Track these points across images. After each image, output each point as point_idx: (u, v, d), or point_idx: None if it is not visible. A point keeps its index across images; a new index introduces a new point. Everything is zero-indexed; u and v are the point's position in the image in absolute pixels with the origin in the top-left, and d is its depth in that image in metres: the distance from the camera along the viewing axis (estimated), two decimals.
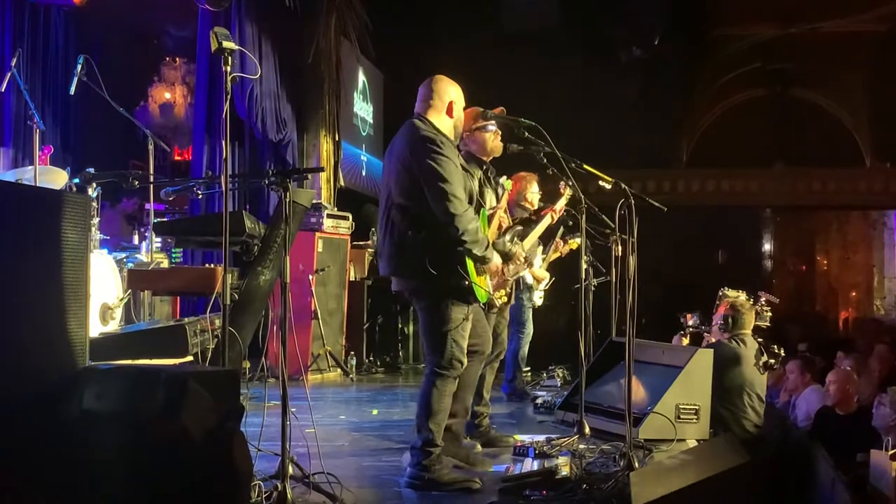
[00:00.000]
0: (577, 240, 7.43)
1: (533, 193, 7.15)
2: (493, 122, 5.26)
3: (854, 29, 17.28)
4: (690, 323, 7.71)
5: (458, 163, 4.54)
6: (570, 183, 5.49)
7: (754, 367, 6.86)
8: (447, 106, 4.65)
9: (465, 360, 4.59)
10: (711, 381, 5.89)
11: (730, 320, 6.94)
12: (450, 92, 4.68)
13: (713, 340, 7.42)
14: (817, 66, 18.03)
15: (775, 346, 7.66)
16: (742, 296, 7.23)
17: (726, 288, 7.40)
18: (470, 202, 4.60)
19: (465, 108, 4.83)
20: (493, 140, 5.38)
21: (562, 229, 7.60)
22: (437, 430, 4.52)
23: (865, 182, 18.07)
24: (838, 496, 5.48)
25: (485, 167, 5.46)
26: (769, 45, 17.64)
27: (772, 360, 7.49)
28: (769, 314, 7.66)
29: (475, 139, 5.37)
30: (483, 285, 4.63)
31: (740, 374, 6.73)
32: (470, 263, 4.49)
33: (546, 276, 7.64)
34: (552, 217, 6.32)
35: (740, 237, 18.73)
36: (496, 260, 4.65)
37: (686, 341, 7.71)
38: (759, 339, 7.22)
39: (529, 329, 7.68)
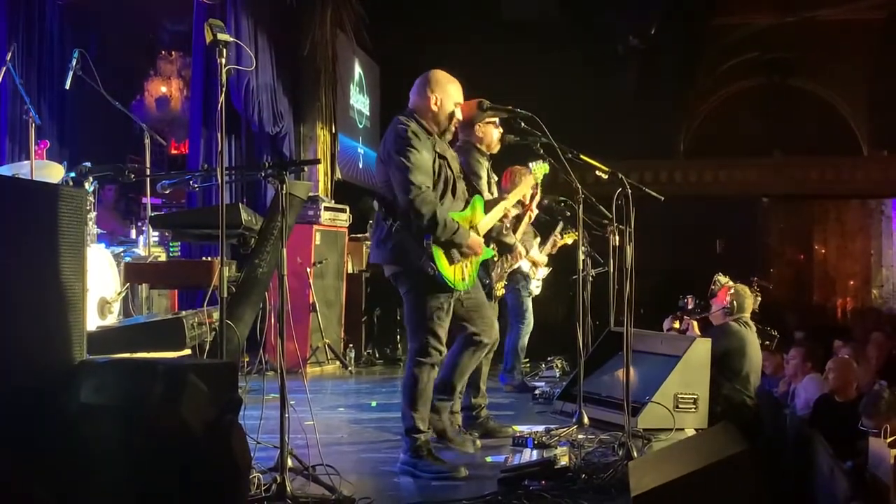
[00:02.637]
0: (572, 234, 7.48)
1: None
2: (496, 116, 5.28)
3: (852, 17, 17.26)
4: (691, 306, 7.83)
5: (427, 153, 4.59)
6: (543, 161, 5.50)
7: (757, 348, 7.05)
8: (429, 101, 4.72)
9: (444, 349, 4.69)
10: (720, 363, 5.95)
11: (734, 304, 7.15)
12: (437, 88, 4.75)
13: (695, 324, 7.58)
14: (815, 54, 18.00)
15: (770, 329, 7.80)
16: (730, 281, 7.41)
17: (720, 274, 7.56)
18: (446, 189, 4.66)
19: (464, 99, 4.85)
20: (498, 136, 5.43)
21: (560, 224, 7.61)
22: (419, 417, 4.64)
23: (863, 171, 18.05)
24: (837, 483, 5.49)
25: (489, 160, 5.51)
26: (767, 34, 17.62)
27: (767, 342, 7.66)
28: (759, 298, 7.83)
29: (484, 131, 5.42)
30: (457, 274, 4.62)
31: (746, 356, 6.89)
32: (439, 252, 4.52)
33: (544, 261, 7.65)
34: (530, 216, 6.29)
35: (738, 227, 18.69)
36: (472, 243, 4.66)
37: (677, 324, 7.82)
38: (755, 323, 7.36)
39: (530, 319, 7.68)
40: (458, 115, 4.81)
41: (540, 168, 5.60)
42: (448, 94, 4.74)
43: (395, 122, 4.68)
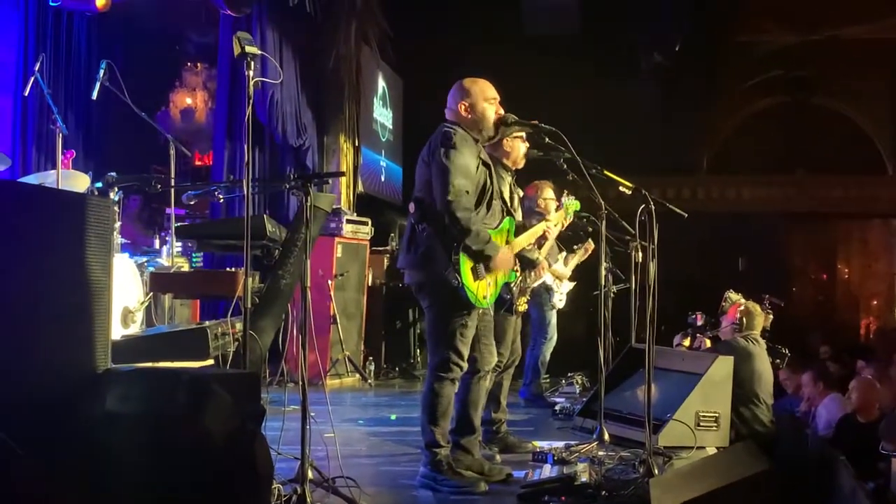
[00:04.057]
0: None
1: (545, 199, 7.13)
2: (522, 131, 5.27)
3: (876, 35, 17.15)
4: (700, 322, 7.84)
5: (471, 159, 4.53)
6: (575, 198, 5.51)
7: (766, 365, 7.02)
8: (459, 108, 4.69)
9: (465, 365, 4.60)
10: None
11: (743, 321, 7.14)
12: (464, 94, 4.71)
13: (707, 343, 7.57)
14: (839, 73, 17.91)
15: (781, 347, 7.77)
16: (741, 298, 7.39)
17: (731, 291, 7.57)
18: (482, 200, 4.60)
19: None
20: (525, 150, 5.42)
21: (589, 241, 7.59)
22: (439, 432, 4.59)
23: (887, 190, 17.95)
24: None
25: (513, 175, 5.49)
26: (790, 52, 17.53)
27: (777, 361, 7.64)
28: (771, 317, 7.82)
29: (511, 146, 5.40)
30: (481, 290, 4.56)
31: (754, 371, 6.84)
32: (465, 266, 4.46)
33: (568, 274, 7.65)
34: (562, 224, 6.27)
35: (761, 244, 18.59)
36: (501, 258, 4.59)
37: (687, 342, 7.82)
38: (765, 341, 7.34)
39: (552, 334, 7.67)
40: (500, 111, 4.73)
41: (572, 205, 5.63)
42: (474, 94, 4.69)
43: (441, 126, 4.63)
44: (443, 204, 4.42)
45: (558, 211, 5.78)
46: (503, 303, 5.31)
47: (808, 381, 8.12)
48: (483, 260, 4.52)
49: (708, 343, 7.74)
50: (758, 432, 6.65)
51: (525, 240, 5.07)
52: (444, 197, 4.41)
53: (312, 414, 4.08)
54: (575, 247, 7.73)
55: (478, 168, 4.58)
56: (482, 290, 4.57)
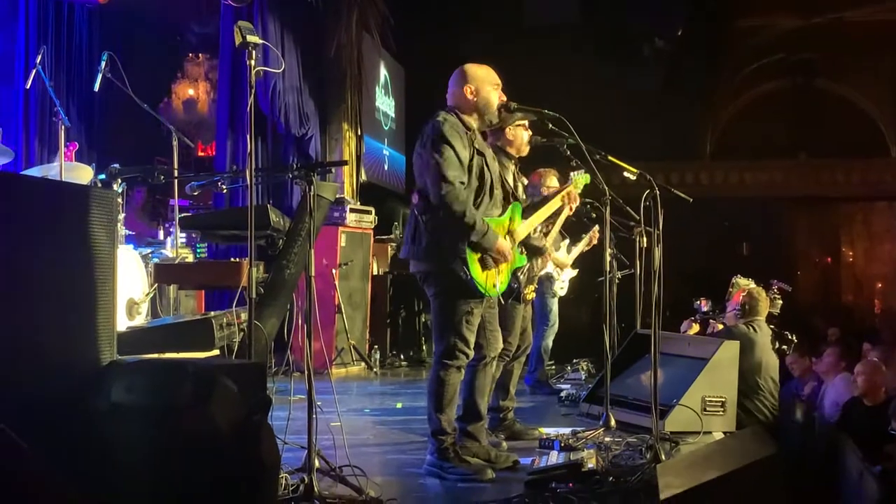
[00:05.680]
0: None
1: (549, 188, 7.10)
2: (525, 119, 5.24)
3: (879, 18, 17.11)
4: (705, 308, 7.80)
5: (462, 149, 4.47)
6: (584, 171, 5.46)
7: (768, 352, 6.96)
8: (464, 92, 4.63)
9: (471, 353, 4.59)
10: None
11: (746, 307, 7.10)
12: (469, 78, 4.65)
13: (720, 327, 7.52)
14: (842, 56, 17.88)
15: (788, 333, 7.72)
16: (751, 284, 7.34)
17: (738, 276, 7.53)
18: (482, 189, 4.56)
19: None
20: (528, 138, 5.39)
21: (596, 227, 7.56)
22: (445, 419, 4.58)
23: (890, 173, 17.94)
24: (866, 487, 5.45)
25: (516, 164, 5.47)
26: (793, 36, 17.50)
27: (784, 347, 7.58)
28: (780, 302, 7.76)
29: (514, 134, 5.38)
30: (490, 280, 4.53)
31: (753, 358, 6.79)
32: (472, 258, 4.43)
33: (568, 263, 7.63)
34: (568, 211, 6.23)
35: (764, 229, 18.59)
36: (499, 247, 4.53)
37: (696, 327, 7.78)
38: (773, 327, 7.28)
39: (554, 320, 7.66)
40: (503, 97, 4.69)
41: (581, 178, 5.55)
42: (480, 79, 4.64)
43: (434, 116, 4.57)
44: (437, 198, 4.39)
45: (566, 184, 5.71)
46: (511, 291, 5.29)
47: (833, 355, 8.05)
48: (481, 251, 4.48)
49: (720, 327, 7.71)
50: (762, 423, 6.64)
51: (527, 227, 5.02)
52: (438, 192, 4.37)
53: (318, 403, 4.08)
54: (583, 235, 7.71)
55: (472, 158, 4.53)
56: (491, 279, 4.54)
